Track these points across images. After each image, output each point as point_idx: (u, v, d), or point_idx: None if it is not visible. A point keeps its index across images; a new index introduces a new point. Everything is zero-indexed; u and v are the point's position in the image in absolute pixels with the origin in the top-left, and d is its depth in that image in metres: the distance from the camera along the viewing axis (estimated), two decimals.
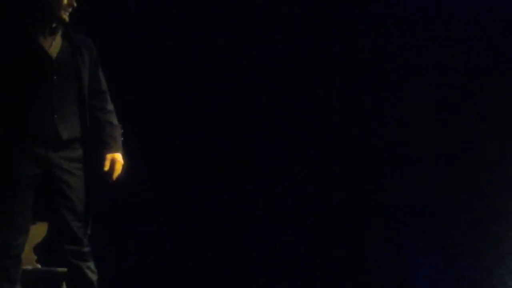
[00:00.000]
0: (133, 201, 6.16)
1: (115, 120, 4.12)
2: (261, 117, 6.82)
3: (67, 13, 3.91)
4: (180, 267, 6.57)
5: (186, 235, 6.55)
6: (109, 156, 4.02)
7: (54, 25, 3.95)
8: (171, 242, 6.50)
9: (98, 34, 4.40)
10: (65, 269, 4.12)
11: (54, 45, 3.95)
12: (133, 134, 5.82)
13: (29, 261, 4.75)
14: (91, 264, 4.00)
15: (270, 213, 6.79)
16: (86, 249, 4.00)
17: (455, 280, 6.88)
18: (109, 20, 6.04)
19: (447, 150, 6.99)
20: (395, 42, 6.96)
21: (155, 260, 6.44)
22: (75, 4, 3.92)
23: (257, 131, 6.80)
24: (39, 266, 4.87)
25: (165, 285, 6.51)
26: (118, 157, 4.04)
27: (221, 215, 6.62)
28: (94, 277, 3.99)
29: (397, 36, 6.96)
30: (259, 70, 6.76)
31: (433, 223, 6.98)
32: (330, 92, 6.98)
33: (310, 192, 6.91)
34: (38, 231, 4.73)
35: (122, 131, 4.14)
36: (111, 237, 5.99)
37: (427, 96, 6.94)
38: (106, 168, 4.01)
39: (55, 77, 3.93)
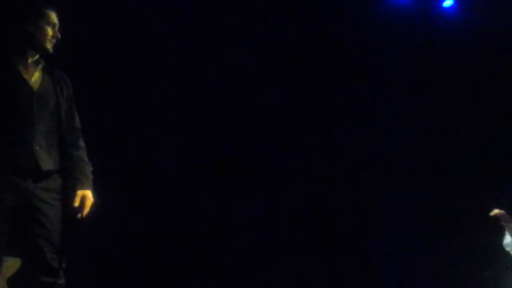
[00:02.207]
0: (131, 201, 6.15)
1: (86, 157, 4.14)
2: (258, 118, 6.87)
3: (52, 44, 3.97)
4: (179, 266, 6.55)
5: (184, 234, 6.54)
6: (80, 193, 4.03)
7: (37, 56, 4.00)
8: (170, 242, 6.48)
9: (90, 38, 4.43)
10: None
11: (36, 78, 3.99)
12: (131, 134, 5.85)
13: None
14: None
15: (260, 213, 6.83)
16: (61, 281, 3.98)
17: None
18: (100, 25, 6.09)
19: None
20: (393, 47, 7.10)
21: (153, 260, 6.42)
22: (59, 36, 3.98)
23: (254, 132, 6.85)
24: None
25: (164, 284, 6.47)
26: (89, 194, 4.05)
27: (217, 215, 6.65)
28: None
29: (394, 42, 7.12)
30: (256, 72, 6.83)
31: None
32: (327, 93, 7.06)
33: (306, 193, 6.98)
34: (12, 263, 4.68)
35: (92, 169, 4.15)
36: (109, 238, 5.96)
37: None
38: (76, 204, 4.01)
39: (35, 109, 3.94)
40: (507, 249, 6.42)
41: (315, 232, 7.12)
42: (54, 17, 3.97)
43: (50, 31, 3.93)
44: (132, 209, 6.30)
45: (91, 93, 4.55)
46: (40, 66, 4.02)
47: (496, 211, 6.24)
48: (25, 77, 3.95)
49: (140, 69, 6.37)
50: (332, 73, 7.20)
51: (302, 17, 7.08)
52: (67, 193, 4.02)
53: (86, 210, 4.03)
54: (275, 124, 7.01)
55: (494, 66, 7.52)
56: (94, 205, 4.06)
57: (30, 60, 3.98)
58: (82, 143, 4.16)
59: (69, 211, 4.02)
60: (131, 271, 6.38)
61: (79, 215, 4.02)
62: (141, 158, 6.28)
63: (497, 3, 7.68)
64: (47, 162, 3.94)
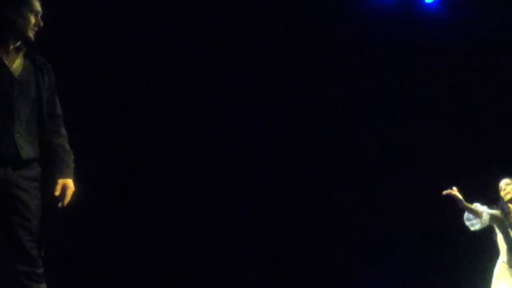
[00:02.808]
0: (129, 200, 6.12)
1: (67, 145, 4.10)
2: (256, 117, 6.88)
3: (34, 32, 3.93)
4: (171, 264, 6.54)
5: (180, 232, 6.54)
6: (60, 181, 3.99)
7: (19, 43, 3.96)
8: (169, 241, 6.47)
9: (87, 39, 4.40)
10: None
11: (17, 64, 3.95)
12: (129, 134, 5.82)
13: None
14: (44, 286, 3.95)
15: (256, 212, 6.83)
16: (40, 270, 3.95)
17: None
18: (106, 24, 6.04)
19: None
20: (375, 44, 7.12)
21: (152, 259, 6.40)
22: (41, 24, 3.95)
23: (252, 132, 6.85)
24: None
25: (162, 283, 6.46)
26: (70, 183, 4.01)
27: (214, 213, 6.64)
28: None
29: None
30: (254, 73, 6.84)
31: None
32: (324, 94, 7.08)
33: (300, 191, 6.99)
34: None
35: (73, 157, 4.11)
36: (108, 237, 5.93)
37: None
38: (57, 193, 3.97)
39: (16, 96, 3.90)
40: (466, 223, 6.52)
41: (313, 231, 7.15)
42: (37, 4, 3.94)
43: (32, 19, 3.90)
44: (118, 200, 6.29)
45: (82, 83, 4.50)
46: (21, 53, 3.98)
47: (447, 191, 6.28)
48: (6, 63, 3.91)
49: (137, 65, 6.35)
50: (317, 71, 7.22)
51: (285, 16, 7.09)
52: (48, 182, 3.99)
53: (67, 199, 3.98)
54: (273, 124, 7.03)
55: (475, 62, 7.56)
56: (75, 194, 4.03)
57: (11, 47, 3.94)
58: (63, 131, 4.11)
59: (49, 200, 3.99)
60: (111, 261, 6.37)
61: (59, 204, 3.99)
62: (130, 151, 6.26)
63: None
64: (28, 150, 3.90)
